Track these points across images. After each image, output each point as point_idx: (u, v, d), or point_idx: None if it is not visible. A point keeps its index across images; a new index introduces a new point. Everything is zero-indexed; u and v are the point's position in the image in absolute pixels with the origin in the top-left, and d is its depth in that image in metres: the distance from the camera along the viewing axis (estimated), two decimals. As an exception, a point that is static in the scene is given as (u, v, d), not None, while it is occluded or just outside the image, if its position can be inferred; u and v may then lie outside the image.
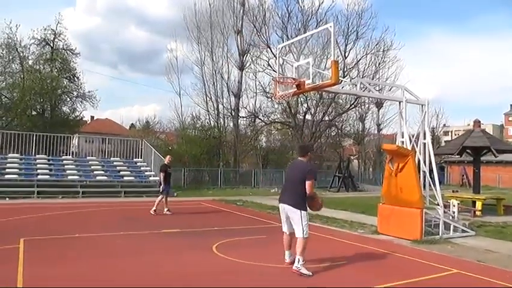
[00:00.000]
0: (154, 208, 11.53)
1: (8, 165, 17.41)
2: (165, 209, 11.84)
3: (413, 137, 9.42)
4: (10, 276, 5.03)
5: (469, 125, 49.19)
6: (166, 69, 38.80)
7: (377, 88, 27.13)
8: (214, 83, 29.59)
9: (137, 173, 19.83)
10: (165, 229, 9.01)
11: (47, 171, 17.85)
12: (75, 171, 18.37)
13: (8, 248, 6.61)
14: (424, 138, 9.24)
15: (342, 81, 9.17)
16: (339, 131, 34.92)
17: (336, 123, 33.12)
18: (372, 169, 39.35)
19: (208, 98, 29.60)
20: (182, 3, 62.27)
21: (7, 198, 14.95)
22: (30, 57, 27.07)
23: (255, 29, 28.52)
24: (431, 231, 8.56)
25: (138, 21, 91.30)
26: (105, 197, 16.55)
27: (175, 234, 8.64)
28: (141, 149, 21.89)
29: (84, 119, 35.00)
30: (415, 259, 6.68)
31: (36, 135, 19.36)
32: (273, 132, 35.18)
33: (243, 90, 29.96)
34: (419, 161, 8.98)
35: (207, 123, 29.88)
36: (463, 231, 9.02)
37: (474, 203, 13.30)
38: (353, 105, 32.11)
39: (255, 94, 30.72)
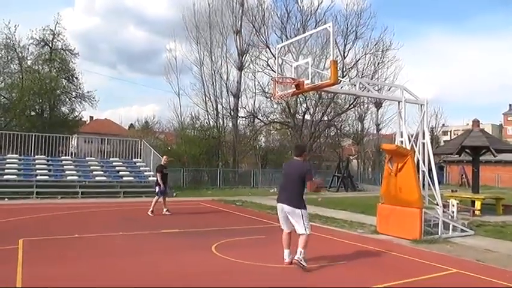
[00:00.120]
0: (151, 209, 11.52)
1: (7, 165, 17.37)
2: (164, 209, 11.82)
3: (412, 136, 9.42)
4: (9, 276, 5.03)
5: (468, 124, 49.28)
6: (165, 69, 38.77)
7: (376, 88, 27.17)
8: (213, 83, 29.65)
9: (136, 173, 19.81)
10: (164, 229, 9.01)
11: (46, 171, 17.82)
12: (74, 172, 18.35)
13: (7, 249, 6.61)
14: (423, 138, 9.24)
15: (341, 81, 9.18)
16: (338, 131, 34.93)
17: (335, 123, 33.15)
18: (371, 169, 39.35)
19: (207, 98, 29.67)
20: (181, 3, 62.28)
21: (6, 199, 14.93)
22: (29, 58, 27.10)
23: (254, 29, 28.61)
24: (431, 230, 8.56)
25: (137, 21, 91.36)
26: (105, 197, 16.55)
27: (174, 234, 8.63)
28: (140, 149, 21.87)
29: (83, 119, 35.07)
30: (415, 259, 6.69)
31: (35, 135, 19.32)
32: (272, 132, 35.21)
33: (242, 90, 30.07)
34: (418, 161, 8.99)
35: (206, 123, 29.94)
36: (462, 230, 9.03)
37: (473, 202, 13.32)
38: (352, 105, 32.16)
39: (254, 94, 30.86)
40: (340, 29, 28.44)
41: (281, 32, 28.53)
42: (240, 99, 29.82)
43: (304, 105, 29.94)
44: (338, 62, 9.64)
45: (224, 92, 29.68)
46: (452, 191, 15.69)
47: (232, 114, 29.60)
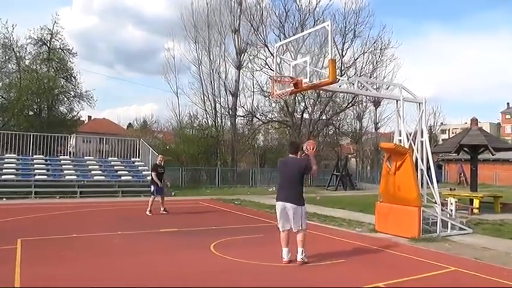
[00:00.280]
0: (149, 209, 11.50)
1: (5, 165, 17.33)
2: (162, 209, 11.81)
3: (410, 135, 9.43)
4: (8, 276, 5.02)
5: (466, 123, 49.40)
6: (164, 68, 38.54)
7: (374, 87, 27.07)
8: (211, 82, 29.64)
9: (135, 173, 19.78)
10: (162, 228, 9.01)
11: (45, 171, 17.79)
12: (73, 171, 18.31)
13: (5, 249, 6.60)
14: (422, 137, 9.26)
15: (339, 79, 9.16)
16: (337, 129, 34.94)
17: (334, 122, 33.16)
18: (369, 167, 39.40)
19: (205, 97, 29.67)
20: (179, 3, 62.17)
21: (4, 199, 14.91)
22: (27, 57, 27.08)
23: (252, 28, 28.57)
24: (429, 229, 8.58)
25: (135, 21, 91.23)
26: (103, 196, 16.52)
27: (173, 233, 8.63)
28: (139, 148, 21.83)
29: (81, 118, 34.98)
30: (413, 257, 6.70)
31: (33, 135, 19.27)
32: (270, 131, 35.23)
33: (240, 89, 30.09)
34: (416, 159, 9.00)
35: (205, 122, 29.94)
36: (461, 229, 9.04)
37: (471, 201, 13.35)
38: (350, 104, 32.16)
39: (252, 93, 30.83)
40: (338, 28, 28.41)
41: (279, 31, 28.52)
42: (238, 98, 29.88)
43: (303, 104, 29.94)
44: (336, 60, 9.61)
45: (222, 91, 29.77)
46: (450, 189, 15.70)
47: (230, 113, 29.60)
